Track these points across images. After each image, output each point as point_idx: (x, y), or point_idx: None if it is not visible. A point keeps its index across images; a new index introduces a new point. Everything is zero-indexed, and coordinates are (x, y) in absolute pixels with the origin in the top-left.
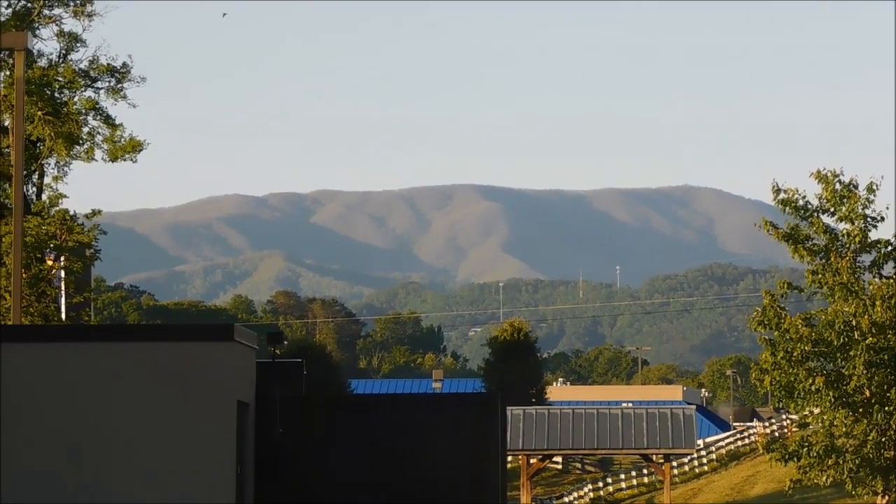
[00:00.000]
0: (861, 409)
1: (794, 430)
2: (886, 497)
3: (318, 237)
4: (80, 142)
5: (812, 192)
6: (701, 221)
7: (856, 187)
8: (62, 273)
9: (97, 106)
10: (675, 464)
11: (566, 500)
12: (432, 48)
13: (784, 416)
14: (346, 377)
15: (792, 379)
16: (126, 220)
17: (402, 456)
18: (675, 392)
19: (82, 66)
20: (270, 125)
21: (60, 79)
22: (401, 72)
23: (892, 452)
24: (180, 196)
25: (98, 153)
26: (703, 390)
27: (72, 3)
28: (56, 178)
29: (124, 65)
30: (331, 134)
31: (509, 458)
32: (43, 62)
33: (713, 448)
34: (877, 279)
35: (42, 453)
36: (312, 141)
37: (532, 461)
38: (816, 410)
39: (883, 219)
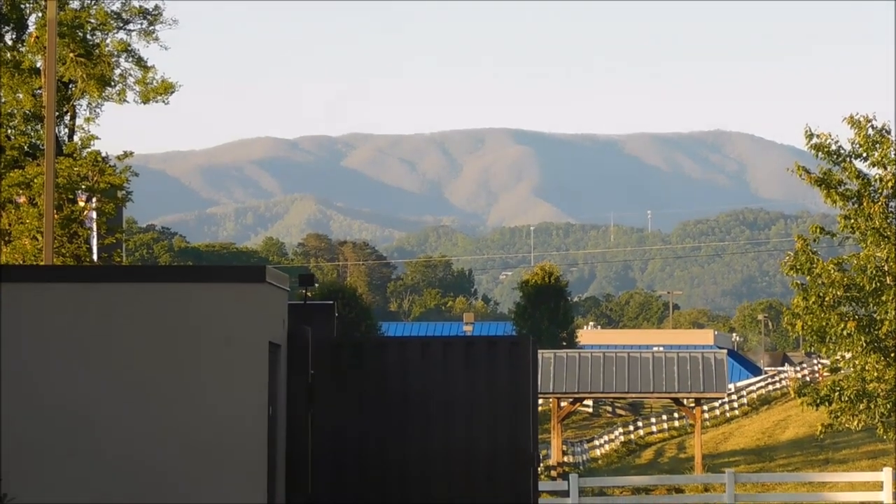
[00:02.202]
0: (893, 354)
1: (825, 374)
2: None
3: (349, 180)
4: (112, 83)
5: (845, 137)
6: (733, 166)
7: (888, 132)
8: (94, 214)
9: (129, 48)
10: (705, 408)
11: (597, 443)
12: None
13: (815, 361)
14: (376, 320)
15: (824, 324)
16: (158, 161)
17: (433, 398)
18: (706, 336)
19: (114, 7)
20: (303, 68)
21: (92, 20)
22: (432, 14)
23: None
24: (212, 138)
25: (130, 95)
26: (734, 335)
27: None
28: (88, 120)
29: (156, 7)
30: (363, 77)
31: (540, 401)
32: (75, 4)
33: (744, 392)
34: None
35: (69, 395)
36: (345, 84)
37: (563, 404)
38: (848, 355)
39: None
